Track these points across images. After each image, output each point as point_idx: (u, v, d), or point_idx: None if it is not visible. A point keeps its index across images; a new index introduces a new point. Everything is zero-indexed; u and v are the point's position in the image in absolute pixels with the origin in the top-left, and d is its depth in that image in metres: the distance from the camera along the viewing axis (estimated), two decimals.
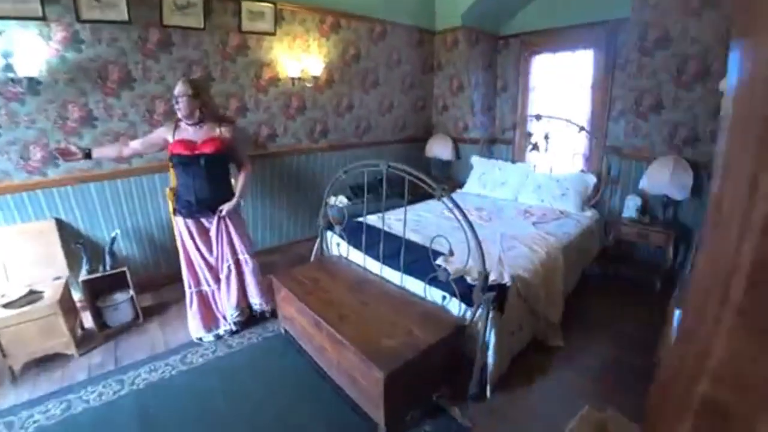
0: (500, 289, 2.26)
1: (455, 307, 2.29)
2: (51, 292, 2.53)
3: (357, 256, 2.92)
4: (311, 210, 4.21)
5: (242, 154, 2.71)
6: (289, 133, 3.85)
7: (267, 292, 2.87)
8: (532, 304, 2.55)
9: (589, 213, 3.85)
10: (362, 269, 2.83)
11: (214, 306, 2.77)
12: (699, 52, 3.14)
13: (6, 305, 2.36)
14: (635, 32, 3.41)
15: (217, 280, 2.76)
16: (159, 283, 3.42)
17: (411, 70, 4.67)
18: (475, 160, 4.72)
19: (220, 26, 3.26)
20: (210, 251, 2.71)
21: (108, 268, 2.84)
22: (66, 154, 2.41)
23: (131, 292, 2.90)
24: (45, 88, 2.79)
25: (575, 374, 2.43)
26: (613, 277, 3.71)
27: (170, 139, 2.50)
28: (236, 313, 2.76)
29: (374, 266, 2.76)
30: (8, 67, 2.58)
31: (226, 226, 2.68)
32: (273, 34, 3.49)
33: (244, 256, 2.75)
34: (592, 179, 4.01)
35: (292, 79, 3.62)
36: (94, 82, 2.92)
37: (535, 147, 4.46)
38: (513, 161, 4.69)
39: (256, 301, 2.85)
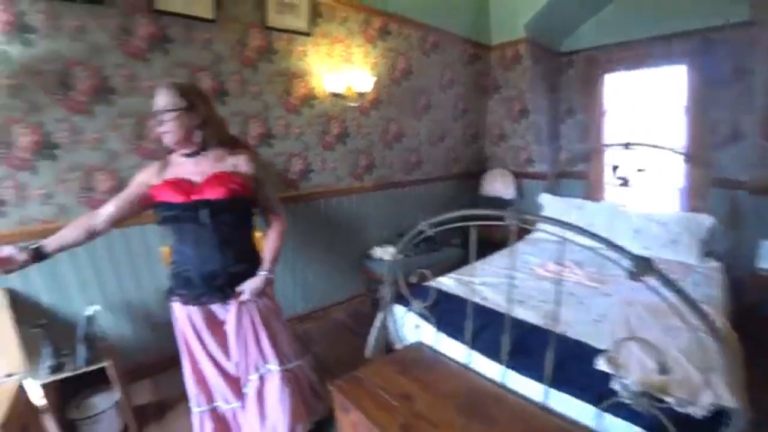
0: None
1: None
2: None
3: (453, 348, 1.90)
4: (350, 266, 3.25)
5: (271, 198, 1.69)
6: (327, 168, 2.90)
7: (300, 414, 1.79)
8: None
9: (714, 264, 2.93)
10: (464, 369, 1.80)
11: None
12: None
13: None
14: (764, 38, 2.63)
15: (240, 395, 1.73)
16: (157, 367, 2.47)
17: (464, 91, 3.83)
18: (546, 198, 3.81)
19: (236, 18, 2.37)
20: (226, 353, 1.68)
21: (82, 361, 1.90)
22: (3, 263, 1.36)
23: (118, 394, 1.99)
24: None
25: None
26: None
27: (154, 182, 1.52)
28: None
29: (486, 366, 1.75)
30: None
31: (251, 318, 1.66)
32: (307, 34, 2.61)
33: (275, 367, 1.71)
34: (707, 220, 3.12)
35: (333, 96, 2.71)
36: (53, 92, 1.98)
37: (625, 182, 3.58)
38: (592, 199, 3.79)
39: None
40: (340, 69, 2.72)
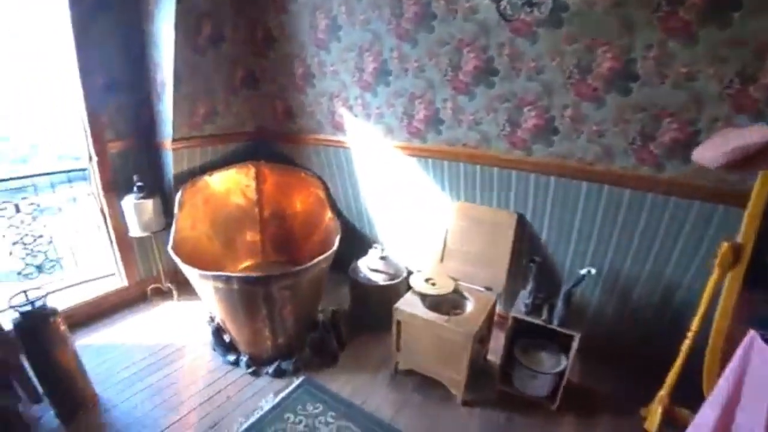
0: None
1: None
2: (474, 308, 1.98)
3: None
4: None
5: None
6: None
7: None
8: None
9: None
10: None
11: None
12: None
13: (430, 300, 2.03)
14: None
15: None
16: (608, 359, 2.22)
17: None
18: None
19: None
20: None
21: (556, 318, 1.81)
22: None
23: (566, 366, 1.86)
24: (571, 18, 1.67)
25: None
26: None
27: None
28: None
29: None
30: None
31: None
32: None
33: None
34: None
35: None
36: (654, 9, 1.56)
37: None
38: None
39: None
40: None
